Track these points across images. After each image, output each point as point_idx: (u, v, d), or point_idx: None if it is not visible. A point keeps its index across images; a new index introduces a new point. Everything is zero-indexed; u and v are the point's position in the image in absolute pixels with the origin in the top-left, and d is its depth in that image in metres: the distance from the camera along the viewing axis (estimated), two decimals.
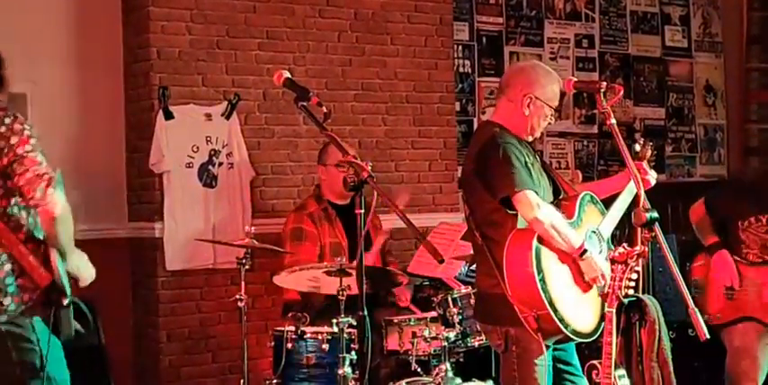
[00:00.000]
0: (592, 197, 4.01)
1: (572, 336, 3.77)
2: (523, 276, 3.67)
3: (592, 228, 3.90)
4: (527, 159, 3.91)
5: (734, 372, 4.83)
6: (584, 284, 3.86)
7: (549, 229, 3.71)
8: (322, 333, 4.48)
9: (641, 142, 4.35)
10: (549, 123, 4.06)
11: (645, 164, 4.25)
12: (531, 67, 4.11)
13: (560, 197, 4.01)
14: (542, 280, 3.66)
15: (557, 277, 3.76)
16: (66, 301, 3.50)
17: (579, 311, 3.80)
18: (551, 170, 4.17)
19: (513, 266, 3.70)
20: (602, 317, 3.82)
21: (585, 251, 3.76)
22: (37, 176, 3.34)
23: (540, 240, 3.77)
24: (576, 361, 4.07)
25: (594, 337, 3.84)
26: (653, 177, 4.23)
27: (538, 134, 4.07)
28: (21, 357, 3.46)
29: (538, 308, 3.64)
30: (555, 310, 3.65)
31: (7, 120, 3.46)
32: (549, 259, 3.78)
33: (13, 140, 3.38)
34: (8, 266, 3.42)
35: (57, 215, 3.35)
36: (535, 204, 3.72)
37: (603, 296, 3.75)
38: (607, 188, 4.27)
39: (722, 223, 4.86)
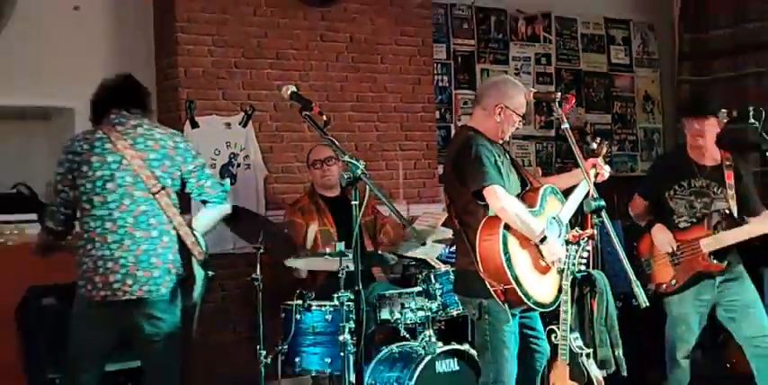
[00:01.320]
0: (553, 189, 4.02)
1: (534, 307, 3.79)
2: (493, 256, 3.68)
3: (552, 214, 3.91)
4: (497, 158, 3.93)
5: (672, 336, 4.84)
6: (543, 263, 3.89)
7: (513, 217, 3.73)
8: (325, 305, 4.48)
9: (597, 141, 4.38)
10: (517, 128, 4.07)
11: (600, 159, 4.27)
12: (503, 82, 4.12)
13: (527, 188, 4.02)
14: (508, 259, 3.67)
15: (520, 257, 3.77)
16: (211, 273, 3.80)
17: (540, 286, 3.81)
18: (519, 166, 4.18)
19: (484, 248, 3.71)
20: (560, 290, 3.86)
21: (545, 238, 3.79)
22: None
23: (507, 226, 3.80)
24: (539, 326, 4.08)
25: (553, 307, 3.87)
26: (607, 171, 4.25)
27: (507, 137, 4.08)
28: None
29: (505, 283, 3.66)
30: (519, 285, 3.67)
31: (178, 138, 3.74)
32: (514, 242, 3.79)
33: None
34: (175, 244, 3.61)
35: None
36: (501, 196, 3.74)
37: (560, 272, 3.79)
38: (566, 181, 4.29)
39: (657, 203, 4.90)
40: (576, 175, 4.21)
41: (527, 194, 3.99)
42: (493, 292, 3.71)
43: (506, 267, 3.68)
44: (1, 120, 5.20)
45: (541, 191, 3.95)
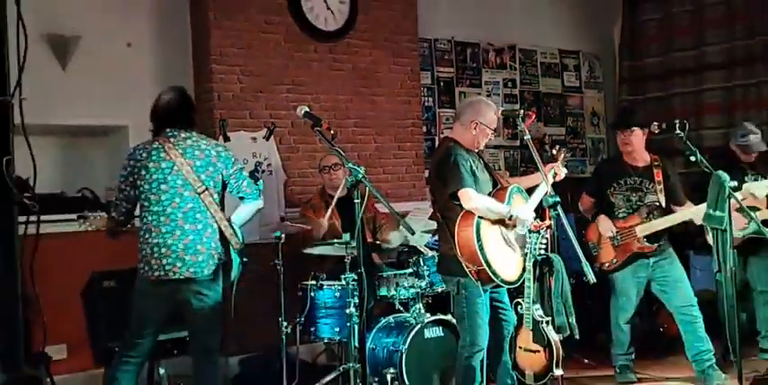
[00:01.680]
0: (518, 188, 4.04)
1: (501, 284, 3.82)
2: (468, 244, 3.70)
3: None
4: (471, 164, 3.94)
5: (615, 306, 4.87)
6: (509, 249, 3.89)
7: (484, 211, 3.76)
8: (334, 285, 4.49)
9: (556, 148, 4.40)
10: (490, 139, 4.09)
11: (559, 163, 4.29)
12: (477, 102, 4.12)
13: (497, 187, 4.04)
14: (480, 246, 3.69)
15: (491, 244, 3.79)
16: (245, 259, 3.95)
17: (506, 267, 3.83)
18: (491, 169, 4.18)
19: (461, 237, 3.74)
20: (523, 270, 3.87)
21: (512, 215, 3.83)
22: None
23: (480, 219, 3.81)
24: (506, 299, 4.09)
25: (517, 284, 3.89)
26: (563, 172, 4.28)
27: (482, 146, 4.10)
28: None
29: (478, 265, 3.68)
30: (489, 266, 3.69)
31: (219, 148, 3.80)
32: (485, 232, 3.80)
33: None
34: (216, 235, 3.66)
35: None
36: (472, 197, 3.77)
37: (524, 256, 3.79)
38: (529, 182, 4.31)
39: (601, 199, 4.91)
40: (537, 177, 4.22)
41: (498, 192, 4.01)
42: (468, 273, 3.74)
43: (479, 252, 3.70)
44: (69, 137, 5.19)
45: (509, 189, 3.98)
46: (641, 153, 4.84)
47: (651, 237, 4.70)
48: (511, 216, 3.84)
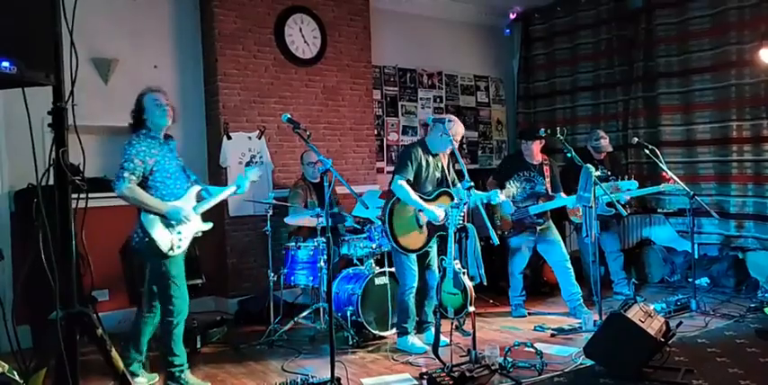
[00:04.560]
0: (447, 191, 3.98)
1: (406, 252, 3.91)
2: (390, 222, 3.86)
3: (443, 204, 3.91)
4: (421, 161, 3.89)
5: (511, 261, 4.96)
6: (417, 228, 3.92)
7: (404, 198, 3.82)
8: (308, 246, 4.50)
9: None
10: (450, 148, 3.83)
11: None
12: (455, 121, 3.90)
13: (441, 189, 4.00)
14: (389, 223, 3.86)
15: (399, 221, 3.88)
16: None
17: (410, 239, 3.90)
18: (445, 171, 4.02)
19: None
20: (429, 239, 3.90)
21: (423, 209, 3.84)
22: None
23: (394, 204, 3.84)
24: (433, 255, 4.12)
25: (420, 251, 3.95)
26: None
27: (445, 151, 3.97)
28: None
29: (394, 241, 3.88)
30: (394, 237, 3.87)
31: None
32: (399, 211, 3.87)
33: None
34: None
35: None
36: (396, 182, 3.80)
37: (442, 226, 3.83)
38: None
39: (504, 185, 4.96)
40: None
41: (441, 193, 3.96)
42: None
43: (386, 227, 3.84)
44: (109, 134, 5.08)
45: (442, 191, 3.98)
46: (537, 154, 4.93)
47: (539, 215, 4.81)
48: (420, 210, 3.86)
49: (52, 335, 1.60)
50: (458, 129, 3.89)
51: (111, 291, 4.68)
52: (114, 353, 1.73)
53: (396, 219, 3.87)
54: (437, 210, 3.84)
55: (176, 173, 3.37)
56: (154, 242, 3.23)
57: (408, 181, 3.86)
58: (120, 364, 1.76)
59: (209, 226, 3.50)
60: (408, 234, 3.89)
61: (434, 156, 3.99)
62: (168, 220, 3.27)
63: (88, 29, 4.54)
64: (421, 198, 3.86)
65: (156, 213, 3.24)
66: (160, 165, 3.27)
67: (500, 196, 4.05)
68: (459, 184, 3.83)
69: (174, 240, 3.28)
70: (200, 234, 3.49)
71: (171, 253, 3.27)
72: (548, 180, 4.86)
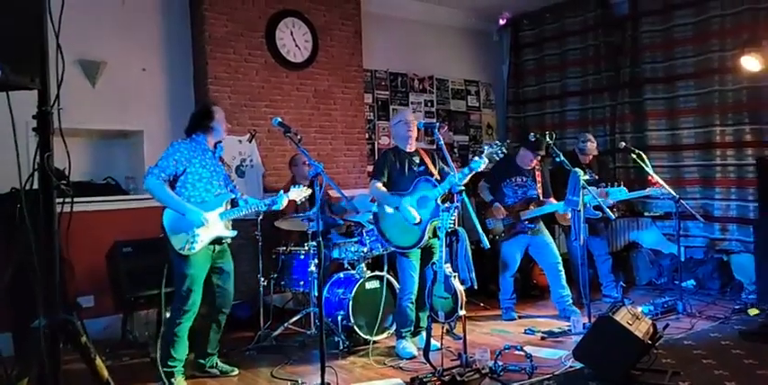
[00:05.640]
0: (427, 178, 3.91)
1: (405, 251, 3.89)
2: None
3: (423, 194, 3.88)
4: (395, 163, 3.91)
5: (502, 265, 4.93)
6: (406, 225, 3.88)
7: (379, 198, 3.85)
8: (300, 250, 4.47)
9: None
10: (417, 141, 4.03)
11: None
12: (401, 112, 4.02)
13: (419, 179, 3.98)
14: (381, 227, 3.88)
15: (387, 220, 3.88)
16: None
17: (405, 236, 3.87)
18: (428, 165, 4.05)
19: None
20: (420, 238, 3.84)
21: (398, 207, 3.83)
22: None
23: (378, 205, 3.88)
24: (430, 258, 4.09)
25: (415, 247, 3.87)
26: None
27: (413, 147, 4.00)
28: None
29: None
30: (388, 241, 3.87)
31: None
32: (385, 210, 3.87)
33: None
34: None
35: None
36: (373, 186, 3.83)
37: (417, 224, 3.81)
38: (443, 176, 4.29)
39: (496, 189, 4.95)
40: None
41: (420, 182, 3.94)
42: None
43: (375, 226, 3.85)
44: (96, 138, 5.03)
45: (416, 181, 3.91)
46: (530, 164, 4.91)
47: (531, 219, 4.80)
48: (397, 208, 3.84)
49: (35, 343, 1.55)
50: (407, 117, 3.96)
51: (97, 297, 4.61)
52: (99, 361, 1.69)
53: (382, 222, 3.85)
54: (413, 211, 3.82)
55: (210, 178, 3.48)
56: (168, 239, 3.34)
57: (385, 183, 3.89)
58: (105, 373, 1.71)
59: (232, 233, 3.60)
60: (398, 231, 3.87)
61: (410, 154, 4.00)
62: (187, 221, 3.35)
63: (76, 31, 4.44)
64: (400, 194, 3.86)
65: (177, 212, 3.35)
66: (194, 169, 3.41)
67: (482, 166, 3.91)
68: (451, 172, 3.78)
69: (188, 240, 3.36)
70: (228, 240, 3.60)
71: (183, 252, 3.35)
72: (539, 185, 4.86)
